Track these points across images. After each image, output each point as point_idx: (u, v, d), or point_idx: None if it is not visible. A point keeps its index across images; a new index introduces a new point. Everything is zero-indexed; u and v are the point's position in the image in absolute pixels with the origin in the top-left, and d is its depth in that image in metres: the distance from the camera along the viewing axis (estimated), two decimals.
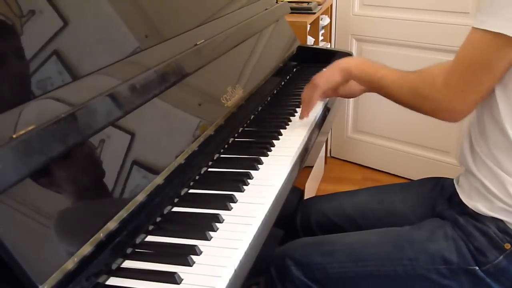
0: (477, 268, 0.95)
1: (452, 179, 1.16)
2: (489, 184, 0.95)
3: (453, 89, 0.93)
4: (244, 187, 0.96)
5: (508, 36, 0.83)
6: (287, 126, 1.26)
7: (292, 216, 1.28)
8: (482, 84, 0.91)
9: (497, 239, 0.94)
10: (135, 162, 0.83)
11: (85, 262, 0.68)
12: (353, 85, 1.33)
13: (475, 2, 2.07)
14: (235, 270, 0.75)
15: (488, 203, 0.96)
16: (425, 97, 0.99)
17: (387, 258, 1.01)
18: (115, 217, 0.74)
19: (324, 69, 1.24)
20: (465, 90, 0.92)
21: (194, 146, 0.98)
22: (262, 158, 1.07)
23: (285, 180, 1.01)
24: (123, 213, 0.76)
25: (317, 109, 1.38)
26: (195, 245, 0.78)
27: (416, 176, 1.34)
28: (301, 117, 1.26)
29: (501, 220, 0.94)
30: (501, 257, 0.94)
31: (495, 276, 0.95)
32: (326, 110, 1.42)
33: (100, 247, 0.71)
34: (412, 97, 1.02)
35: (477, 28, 0.88)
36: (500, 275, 0.95)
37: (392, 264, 1.00)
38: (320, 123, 1.34)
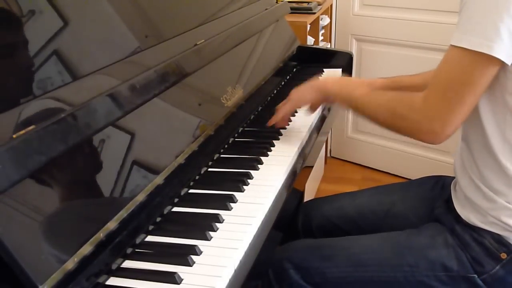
0: (476, 276, 0.95)
1: (453, 178, 1.15)
2: (478, 201, 0.95)
3: (433, 109, 0.88)
4: (244, 187, 0.96)
5: (485, 54, 0.81)
6: (287, 126, 1.26)
7: (293, 218, 1.28)
8: (464, 103, 0.86)
9: (493, 249, 0.94)
10: (135, 162, 0.83)
11: (85, 262, 0.68)
12: None
13: None
14: (235, 270, 0.75)
15: (480, 216, 0.95)
16: (403, 117, 0.93)
17: (387, 264, 1.00)
18: (115, 217, 0.74)
19: (301, 85, 1.21)
20: (446, 110, 0.87)
21: (194, 146, 0.98)
22: (262, 158, 1.07)
23: (285, 180, 1.01)
24: (123, 213, 0.76)
25: (317, 110, 1.38)
26: (195, 245, 0.78)
27: (416, 176, 1.34)
28: (268, 124, 1.23)
29: (496, 233, 0.94)
30: (498, 266, 0.93)
31: (493, 286, 0.95)
32: (326, 110, 1.42)
33: (100, 247, 0.71)
34: (389, 117, 0.96)
35: (455, 46, 0.85)
36: (497, 285, 0.94)
37: (392, 270, 0.99)
38: (320, 123, 1.34)
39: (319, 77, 1.21)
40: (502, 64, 0.83)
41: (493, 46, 0.80)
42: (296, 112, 1.35)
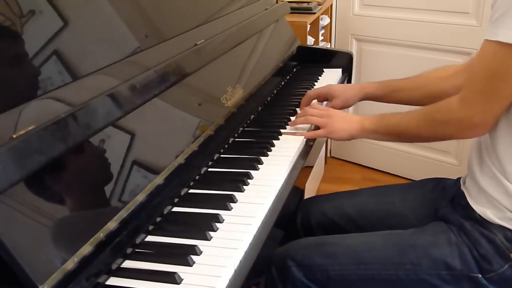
0: (480, 275, 0.95)
1: (454, 180, 1.16)
2: (498, 196, 0.94)
3: (472, 106, 0.91)
4: (244, 187, 0.96)
5: None
6: (287, 126, 1.26)
7: (293, 216, 1.28)
8: (502, 96, 0.88)
9: (503, 248, 0.93)
10: (135, 162, 0.83)
11: (85, 262, 0.68)
12: (349, 95, 1.33)
13: (475, 2, 2.07)
14: (235, 270, 0.75)
15: (498, 211, 0.95)
16: (445, 122, 0.97)
17: (390, 262, 1.00)
18: (115, 217, 0.74)
19: (338, 114, 1.19)
20: (484, 104, 0.90)
21: (194, 146, 0.98)
22: (262, 158, 1.07)
23: (285, 180, 1.01)
24: (123, 213, 0.76)
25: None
26: (195, 245, 0.78)
27: (416, 176, 1.34)
28: (292, 124, 1.25)
29: (510, 230, 0.94)
30: (506, 266, 0.93)
31: (498, 285, 0.94)
32: None
33: (100, 247, 0.71)
34: (432, 128, 1.01)
35: (491, 40, 0.86)
36: (503, 284, 0.94)
37: (394, 268, 0.99)
38: None
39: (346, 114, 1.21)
40: None
41: None
42: (296, 112, 1.35)
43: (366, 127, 1.13)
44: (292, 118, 1.30)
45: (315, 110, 1.22)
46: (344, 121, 1.16)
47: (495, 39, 0.85)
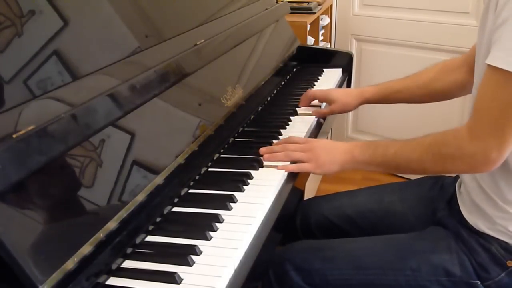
0: (479, 282, 0.95)
1: (452, 178, 1.15)
2: (489, 211, 0.94)
3: (485, 140, 0.84)
4: (244, 187, 0.96)
5: None
6: (287, 126, 1.26)
7: (292, 217, 1.28)
8: None
9: (499, 256, 0.93)
10: (135, 162, 0.83)
11: (85, 262, 0.68)
12: (348, 100, 1.32)
13: (475, 2, 2.07)
14: (235, 270, 0.75)
15: (488, 223, 0.95)
16: (454, 157, 0.89)
17: (389, 268, 1.00)
18: (115, 217, 0.74)
19: (321, 145, 1.06)
20: (501, 137, 0.82)
21: (194, 146, 0.98)
22: (262, 158, 1.07)
23: (285, 180, 1.01)
24: (123, 213, 0.76)
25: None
26: (195, 245, 0.78)
27: (415, 176, 1.34)
28: (270, 158, 1.07)
29: (503, 240, 0.93)
30: (503, 274, 0.93)
31: None
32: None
33: (100, 247, 0.71)
34: (439, 162, 0.92)
35: (498, 68, 0.80)
36: None
37: (394, 274, 0.99)
38: (320, 123, 1.34)
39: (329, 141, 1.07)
40: None
41: None
42: (297, 113, 1.35)
43: (357, 157, 1.01)
44: (293, 118, 1.31)
45: (295, 145, 1.07)
46: (330, 152, 1.04)
47: (506, 68, 0.78)
